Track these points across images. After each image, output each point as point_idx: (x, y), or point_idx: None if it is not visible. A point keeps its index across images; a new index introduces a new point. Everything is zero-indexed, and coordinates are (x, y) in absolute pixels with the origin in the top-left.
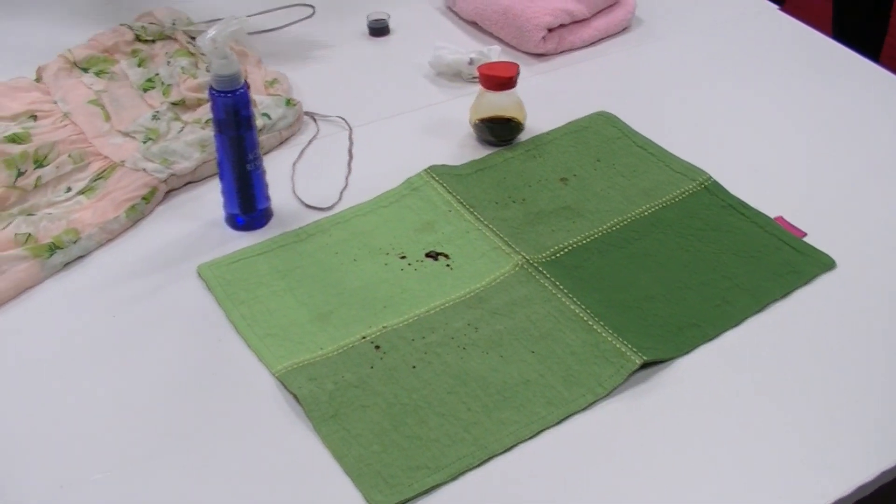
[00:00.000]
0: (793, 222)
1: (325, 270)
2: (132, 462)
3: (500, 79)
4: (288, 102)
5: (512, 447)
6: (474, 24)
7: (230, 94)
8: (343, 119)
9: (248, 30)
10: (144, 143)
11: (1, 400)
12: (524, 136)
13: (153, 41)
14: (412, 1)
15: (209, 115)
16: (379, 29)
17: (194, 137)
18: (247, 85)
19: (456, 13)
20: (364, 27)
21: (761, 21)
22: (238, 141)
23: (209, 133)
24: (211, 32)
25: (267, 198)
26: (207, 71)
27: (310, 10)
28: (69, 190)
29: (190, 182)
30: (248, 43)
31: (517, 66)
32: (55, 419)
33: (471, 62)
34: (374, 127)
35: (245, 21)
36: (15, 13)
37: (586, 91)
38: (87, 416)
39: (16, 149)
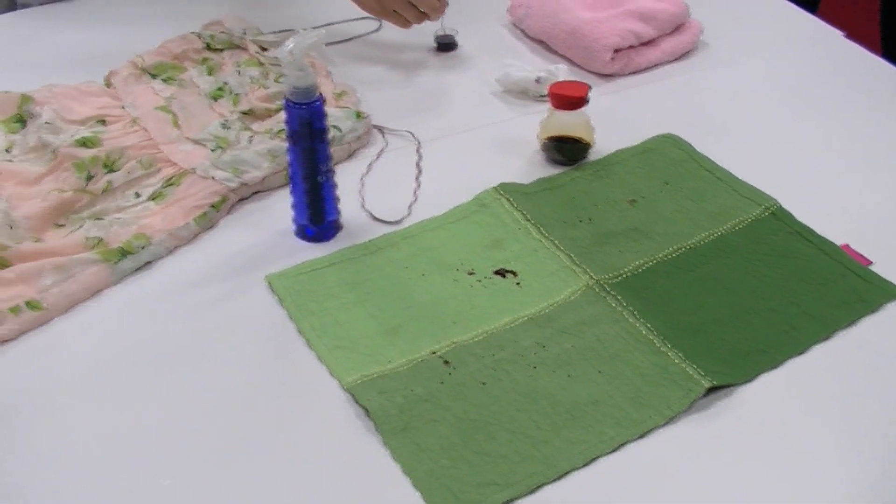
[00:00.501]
0: (859, 250)
1: (394, 284)
2: (200, 469)
3: (570, 98)
4: (357, 115)
5: (580, 466)
6: (541, 43)
7: (305, 106)
8: (411, 133)
9: (324, 42)
10: (214, 151)
11: (70, 402)
12: (591, 155)
13: (222, 50)
14: (479, 18)
15: (279, 126)
16: (446, 44)
17: (264, 147)
18: (322, 97)
19: (523, 31)
20: (431, 42)
21: (827, 47)
22: (311, 152)
23: (279, 143)
24: (289, 44)
25: (337, 209)
26: (277, 81)
27: (377, 24)
28: (138, 195)
29: (259, 192)
30: (322, 55)
31: (587, 87)
32: (122, 423)
33: (539, 80)
34: (441, 142)
35: (322, 34)
36: (85, 18)
37: (652, 113)
38: (153, 421)
39: (86, 153)
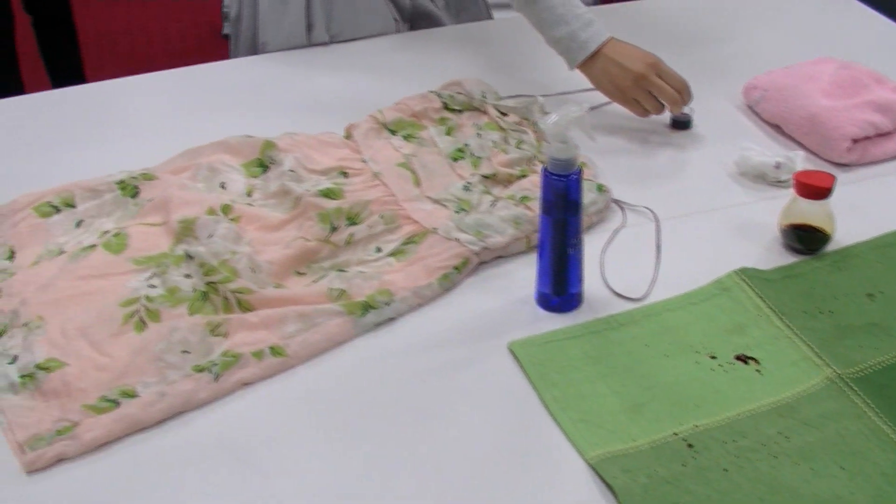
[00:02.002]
0: None
1: (636, 361)
2: None
3: (816, 188)
4: (600, 188)
5: None
6: (776, 127)
7: (563, 178)
8: (650, 210)
9: (589, 121)
10: (457, 212)
11: (304, 450)
12: (830, 246)
13: (460, 111)
14: (713, 97)
15: (523, 193)
16: (682, 122)
17: (508, 213)
18: (580, 171)
19: (758, 114)
20: (667, 118)
21: None
22: (562, 224)
23: (523, 211)
24: (553, 116)
25: (580, 282)
26: (517, 147)
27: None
28: (379, 250)
29: (499, 257)
30: (585, 129)
31: (833, 178)
32: (353, 477)
33: (777, 166)
34: (680, 221)
35: (586, 109)
36: (323, 65)
37: (891, 206)
38: (386, 479)
39: (330, 204)
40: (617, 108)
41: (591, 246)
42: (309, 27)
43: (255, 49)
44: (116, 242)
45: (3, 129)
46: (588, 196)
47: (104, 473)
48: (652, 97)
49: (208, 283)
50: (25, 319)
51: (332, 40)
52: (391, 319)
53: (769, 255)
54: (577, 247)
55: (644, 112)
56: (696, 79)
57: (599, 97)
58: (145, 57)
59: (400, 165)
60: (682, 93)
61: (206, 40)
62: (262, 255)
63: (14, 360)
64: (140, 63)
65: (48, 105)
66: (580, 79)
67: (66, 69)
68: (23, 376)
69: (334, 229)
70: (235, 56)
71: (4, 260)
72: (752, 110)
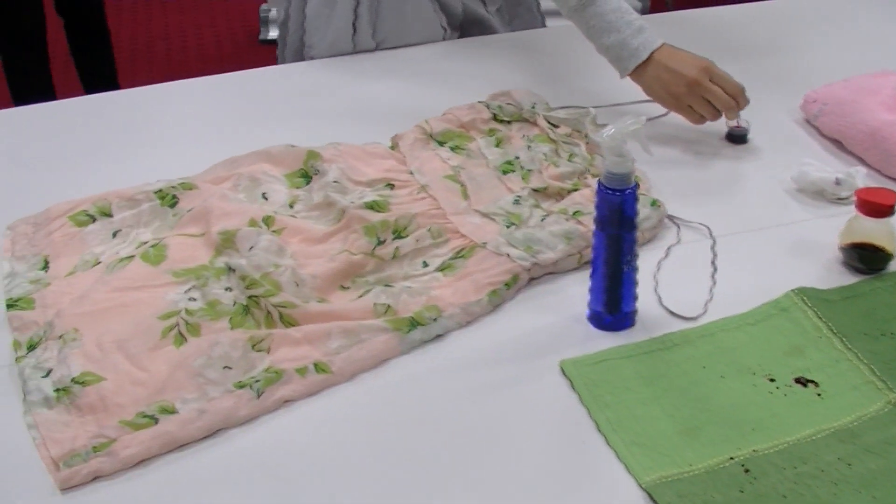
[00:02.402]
0: None
1: (691, 383)
2: None
3: (879, 206)
4: (654, 203)
5: None
6: (835, 142)
7: (618, 193)
8: (705, 227)
9: (646, 133)
10: (507, 227)
11: (346, 468)
12: (892, 265)
13: (509, 122)
14: (771, 110)
15: (575, 207)
16: (739, 136)
17: (560, 229)
18: (636, 186)
19: (816, 128)
20: (722, 131)
21: None
22: (617, 240)
23: (575, 226)
24: (610, 129)
25: (634, 300)
26: (569, 160)
27: (664, 109)
28: (426, 265)
29: (550, 273)
30: (642, 143)
31: None
32: (398, 498)
33: (837, 182)
34: (736, 238)
35: (643, 122)
36: (369, 73)
37: None
38: (432, 500)
39: (375, 216)
40: (671, 119)
41: (645, 263)
42: (355, 32)
43: (301, 54)
44: (155, 253)
45: (35, 135)
46: (642, 211)
47: (140, 492)
48: (707, 103)
49: (250, 297)
50: (60, 331)
51: (378, 47)
52: (438, 336)
53: (829, 274)
54: (632, 264)
55: (699, 119)
56: (753, 91)
57: (654, 108)
58: (180, 62)
59: (447, 178)
60: (738, 98)
61: (243, 46)
62: (306, 269)
63: (48, 373)
64: (175, 69)
65: (81, 111)
66: (634, 89)
67: (100, 74)
68: (57, 390)
69: (380, 243)
70: (282, 61)
71: (39, 270)
72: (811, 124)
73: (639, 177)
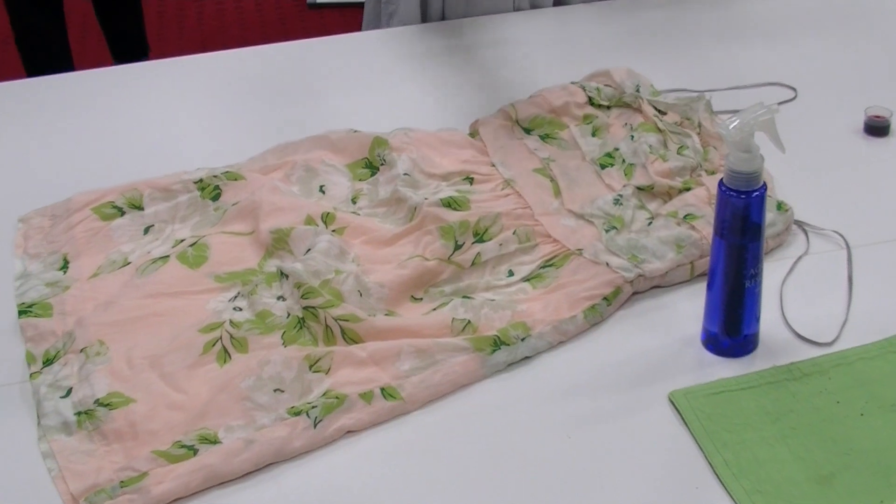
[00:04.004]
0: None
1: (824, 421)
2: None
3: None
4: (780, 207)
5: None
6: None
7: (743, 196)
8: (839, 235)
9: (775, 121)
10: (607, 231)
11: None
12: None
13: (608, 107)
14: None
15: (686, 210)
16: (878, 127)
17: (669, 234)
18: (765, 187)
19: None
20: (859, 122)
21: None
22: (740, 250)
23: (687, 231)
24: (737, 120)
25: (757, 321)
26: (680, 153)
27: (790, 94)
28: (511, 274)
29: (657, 286)
30: (774, 136)
31: None
32: None
33: None
34: (877, 249)
35: (776, 110)
36: (446, 52)
37: None
38: None
39: (453, 216)
40: (798, 105)
41: (769, 277)
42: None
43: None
44: (194, 254)
45: (51, 110)
46: (766, 216)
47: None
48: None
49: (306, 308)
50: (83, 344)
51: (447, 17)
52: (526, 359)
53: None
54: (756, 278)
55: None
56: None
57: (776, 93)
58: (217, 30)
59: (536, 171)
60: None
61: (290, 10)
62: (371, 276)
63: (68, 392)
64: (211, 37)
65: (106, 83)
66: (753, 70)
67: (128, 43)
68: (79, 413)
69: (458, 247)
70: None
71: (57, 271)
72: None
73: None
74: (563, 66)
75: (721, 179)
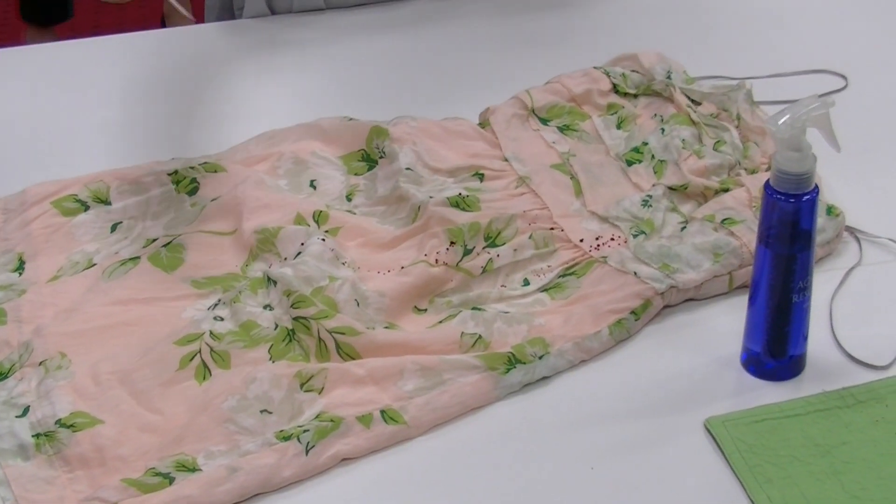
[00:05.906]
0: None
1: (882, 455)
2: None
3: None
4: (830, 210)
5: None
6: None
7: (793, 200)
8: None
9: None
10: (635, 236)
11: None
12: None
13: (635, 95)
14: None
15: (725, 213)
16: None
17: (705, 241)
18: (817, 190)
19: None
20: None
21: None
22: (788, 261)
23: (726, 238)
24: (786, 115)
25: (805, 340)
26: (716, 149)
27: (840, 82)
28: (527, 283)
29: (691, 299)
30: (828, 133)
31: None
32: None
33: None
34: None
35: (831, 103)
36: (449, 27)
37: None
38: None
39: (462, 217)
40: (847, 96)
41: (817, 291)
42: None
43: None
44: (168, 256)
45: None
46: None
47: None
48: None
49: (297, 319)
50: (42, 356)
51: None
52: (544, 379)
53: None
54: (805, 292)
55: None
56: None
57: (823, 82)
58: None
59: (555, 167)
60: None
61: None
62: (370, 283)
63: (25, 411)
64: None
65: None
66: (800, 56)
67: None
68: (38, 435)
69: (468, 252)
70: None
71: (11, 272)
72: None
73: None
74: (585, 50)
75: (767, 181)
